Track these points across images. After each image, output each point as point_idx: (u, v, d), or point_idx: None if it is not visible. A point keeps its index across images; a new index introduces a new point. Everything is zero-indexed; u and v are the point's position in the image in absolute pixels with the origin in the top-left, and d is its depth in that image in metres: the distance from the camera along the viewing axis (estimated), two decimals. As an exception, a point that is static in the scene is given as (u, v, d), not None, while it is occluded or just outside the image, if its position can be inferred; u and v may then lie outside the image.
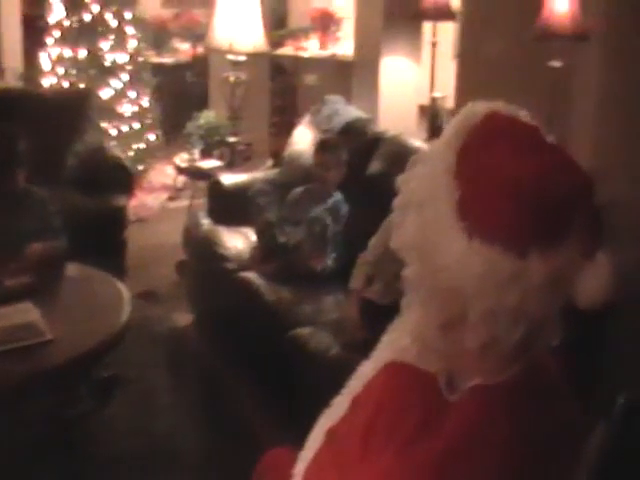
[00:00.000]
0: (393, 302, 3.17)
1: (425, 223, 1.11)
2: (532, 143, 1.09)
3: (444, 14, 4.50)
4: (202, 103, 7.24)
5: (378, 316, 3.13)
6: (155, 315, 4.45)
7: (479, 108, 1.15)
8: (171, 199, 6.36)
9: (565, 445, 1.16)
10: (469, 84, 4.87)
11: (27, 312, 2.87)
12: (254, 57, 4.91)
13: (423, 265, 1.12)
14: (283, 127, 7.47)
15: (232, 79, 4.86)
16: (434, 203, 1.10)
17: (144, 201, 6.22)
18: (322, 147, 4.02)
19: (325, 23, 7.19)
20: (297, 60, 7.25)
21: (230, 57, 4.82)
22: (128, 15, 5.75)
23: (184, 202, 6.06)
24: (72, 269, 3.51)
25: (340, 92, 4.82)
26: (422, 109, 5.21)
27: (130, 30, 5.77)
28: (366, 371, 1.33)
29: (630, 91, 4.32)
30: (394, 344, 1.29)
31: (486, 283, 1.04)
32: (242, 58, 4.79)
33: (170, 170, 6.38)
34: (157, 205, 6.26)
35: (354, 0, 5.31)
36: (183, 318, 4.43)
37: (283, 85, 7.37)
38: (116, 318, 3.07)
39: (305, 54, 7.39)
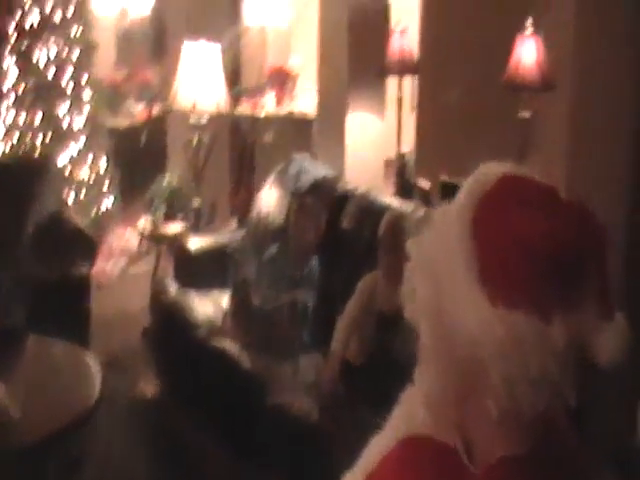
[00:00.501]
0: (368, 363, 3.19)
1: (441, 290, 1.08)
2: (548, 205, 1.07)
3: (409, 68, 4.49)
4: (160, 165, 7.14)
5: (353, 377, 3.19)
6: (122, 386, 4.31)
7: (491, 171, 1.12)
8: (131, 264, 6.22)
9: None
10: (429, 137, 4.87)
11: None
12: (215, 117, 4.82)
13: (440, 334, 1.09)
14: (243, 187, 7.42)
15: (195, 141, 4.78)
16: (451, 270, 1.08)
17: (103, 267, 6.10)
18: (301, 209, 4.00)
19: (281, 80, 7.20)
20: (254, 118, 7.22)
21: (192, 120, 4.73)
22: (84, 78, 5.65)
23: (144, 267, 5.93)
24: (36, 342, 3.35)
25: (299, 149, 4.79)
26: (388, 163, 5.20)
27: (86, 93, 5.68)
28: (379, 447, 1.25)
29: (598, 136, 4.37)
30: (408, 417, 1.23)
31: (509, 350, 1.02)
32: (204, 120, 4.71)
33: (129, 234, 6.24)
34: (117, 270, 6.13)
35: (317, 57, 5.29)
36: (151, 388, 4.32)
37: (240, 144, 7.33)
38: (86, 395, 2.92)
39: (262, 112, 7.38)
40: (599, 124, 4.13)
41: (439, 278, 1.09)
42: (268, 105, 7.56)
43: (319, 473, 3.07)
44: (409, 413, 1.22)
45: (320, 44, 5.24)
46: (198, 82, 4.71)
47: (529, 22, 3.81)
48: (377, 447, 1.26)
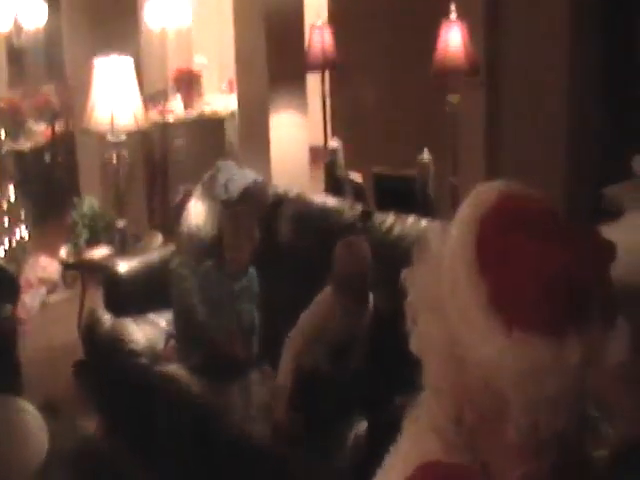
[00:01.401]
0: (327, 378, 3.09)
1: (449, 322, 1.07)
2: (550, 226, 1.07)
3: (330, 62, 4.39)
4: (70, 187, 6.87)
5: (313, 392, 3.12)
6: (59, 428, 4.08)
7: (488, 192, 1.10)
8: (51, 293, 6.00)
9: None
10: (356, 129, 4.81)
11: None
12: (133, 132, 4.62)
13: (451, 365, 1.08)
14: (159, 198, 7.22)
15: (115, 160, 4.55)
16: (459, 302, 1.06)
17: (22, 300, 5.83)
18: (234, 218, 3.87)
19: (188, 82, 7.03)
20: (164, 125, 7.04)
21: (111, 138, 4.50)
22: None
23: (64, 294, 5.78)
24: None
25: (213, 150, 4.65)
26: (313, 151, 5.10)
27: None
28: (390, 478, 1.21)
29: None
30: (418, 444, 1.19)
31: (526, 375, 1.02)
32: (123, 137, 4.49)
33: (46, 263, 6.01)
34: (37, 303, 5.89)
35: (235, 59, 5.13)
36: (90, 425, 4.14)
37: (152, 154, 7.12)
38: (35, 450, 2.71)
39: (171, 117, 7.21)
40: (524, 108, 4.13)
41: (445, 309, 1.07)
42: (177, 109, 7.40)
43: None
44: (419, 439, 1.19)
45: (236, 41, 5.08)
46: (114, 98, 4.49)
47: (453, 7, 3.76)
48: (389, 477, 1.22)
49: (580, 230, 1.08)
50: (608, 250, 1.07)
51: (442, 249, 1.11)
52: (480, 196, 1.10)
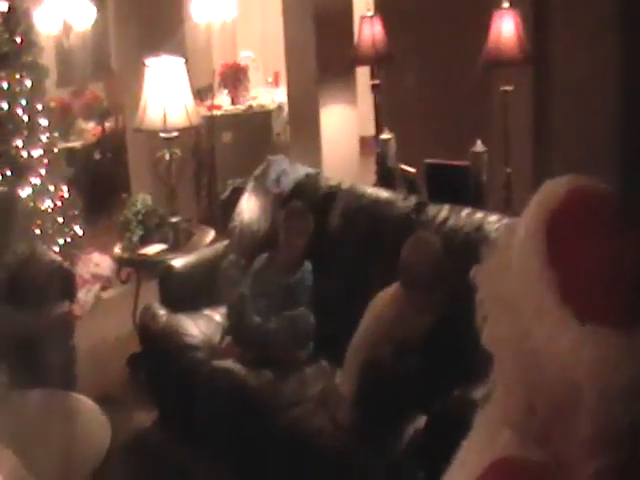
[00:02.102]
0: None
1: (523, 318, 1.08)
2: (620, 216, 1.08)
3: (383, 57, 4.36)
4: (120, 184, 6.94)
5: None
6: (115, 420, 4.13)
7: (558, 186, 1.12)
8: (104, 289, 6.07)
9: None
10: (407, 121, 4.78)
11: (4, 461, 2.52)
12: (184, 129, 4.65)
13: (524, 360, 1.09)
14: (207, 192, 7.26)
15: (167, 156, 4.59)
16: (531, 295, 1.07)
17: (76, 297, 5.92)
18: (290, 213, 3.86)
19: (235, 76, 7.04)
20: (211, 120, 7.07)
21: (163, 134, 4.54)
22: (39, 106, 5.45)
23: (118, 290, 5.81)
24: (36, 397, 3.17)
25: (260, 144, 4.66)
26: (364, 141, 5.08)
27: (43, 122, 5.47)
28: (464, 475, 1.21)
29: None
30: (490, 440, 1.19)
31: (600, 366, 1.02)
32: (175, 134, 4.53)
33: (100, 259, 6.10)
34: (91, 299, 5.97)
35: (285, 51, 5.14)
36: (146, 418, 4.17)
37: (198, 149, 7.16)
38: (98, 444, 2.75)
39: (219, 112, 7.24)
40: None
41: (517, 304, 1.08)
42: (225, 104, 7.43)
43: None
44: (491, 436, 1.19)
45: (285, 34, 5.09)
46: (166, 98, 4.53)
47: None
48: (462, 474, 1.22)
49: None
50: None
51: (511, 245, 1.12)
52: (549, 191, 1.12)
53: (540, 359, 1.07)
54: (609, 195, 1.11)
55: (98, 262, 6.19)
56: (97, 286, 6.09)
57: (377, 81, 4.61)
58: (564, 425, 1.10)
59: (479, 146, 3.92)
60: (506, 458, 1.15)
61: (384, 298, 3.24)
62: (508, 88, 3.94)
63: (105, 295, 6.01)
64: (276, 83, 8.11)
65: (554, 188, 1.12)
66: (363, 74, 5.54)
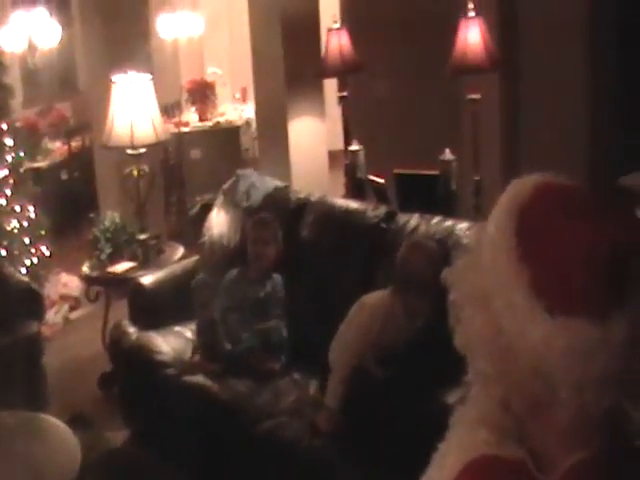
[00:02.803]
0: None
1: (495, 314, 1.08)
2: (587, 210, 1.08)
3: (350, 68, 4.35)
4: (87, 203, 6.88)
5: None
6: (88, 440, 4.08)
7: (525, 183, 1.13)
8: (73, 309, 6.01)
9: None
10: (376, 132, 4.78)
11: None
12: (152, 145, 4.62)
13: (498, 357, 1.10)
14: (176, 209, 7.23)
15: (135, 173, 4.55)
16: (502, 291, 1.08)
17: (45, 318, 5.86)
18: (258, 224, 3.85)
19: (202, 93, 7.04)
20: (179, 136, 7.04)
21: (130, 151, 4.51)
22: (4, 126, 5.39)
23: (87, 310, 5.77)
24: (4, 418, 3.11)
25: (228, 159, 4.64)
26: (332, 155, 5.07)
27: (9, 142, 5.41)
28: (442, 476, 1.21)
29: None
30: (468, 440, 1.20)
31: (573, 357, 1.03)
32: (142, 150, 4.50)
33: (66, 278, 6.07)
34: (60, 319, 5.90)
35: (252, 66, 5.12)
36: (118, 436, 4.12)
37: (167, 165, 7.13)
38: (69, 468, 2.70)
39: (187, 129, 7.22)
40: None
41: (489, 302, 1.08)
42: (192, 120, 7.42)
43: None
44: (467, 436, 1.20)
45: (252, 47, 5.08)
46: (133, 114, 4.49)
47: (470, 5, 3.73)
48: (441, 475, 1.21)
49: (619, 212, 1.09)
50: None
51: (481, 244, 1.12)
52: (517, 188, 1.12)
53: (514, 355, 1.07)
54: (576, 190, 1.11)
55: (66, 282, 6.14)
56: (66, 306, 6.03)
57: (345, 93, 4.60)
58: (540, 420, 1.11)
59: (448, 155, 3.92)
60: (483, 456, 1.16)
61: (371, 304, 3.20)
62: (476, 96, 3.96)
63: (74, 315, 5.95)
64: (244, 99, 8.11)
65: (522, 185, 1.12)
66: (331, 88, 5.54)
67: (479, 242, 1.14)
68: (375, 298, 3.21)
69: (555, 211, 1.08)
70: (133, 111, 4.48)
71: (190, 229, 6.12)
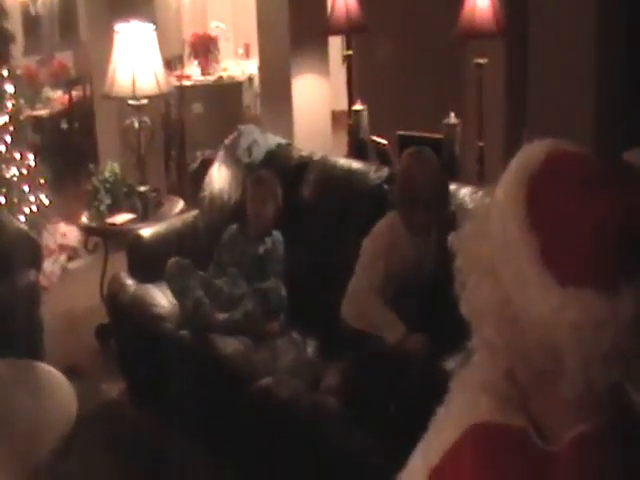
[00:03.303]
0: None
1: (503, 283, 1.07)
2: (600, 179, 1.06)
3: (356, 28, 4.32)
4: (87, 154, 6.85)
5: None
6: (83, 391, 4.09)
7: (537, 150, 1.10)
8: (71, 260, 5.99)
9: None
10: (379, 93, 4.75)
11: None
12: (153, 97, 4.58)
13: (505, 325, 1.08)
14: (177, 164, 7.20)
15: (136, 124, 4.51)
16: (511, 260, 1.06)
17: (43, 267, 5.84)
18: (257, 181, 3.83)
19: (205, 47, 6.97)
20: (181, 90, 6.98)
21: (132, 102, 4.47)
22: (4, 72, 5.33)
23: (85, 261, 5.76)
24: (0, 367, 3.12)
25: (230, 115, 4.60)
26: (336, 115, 5.04)
27: (9, 88, 5.35)
28: (442, 439, 1.21)
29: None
30: (470, 405, 1.19)
31: (582, 329, 1.01)
32: (144, 101, 4.46)
33: (67, 229, 6.02)
34: (57, 269, 5.88)
35: (256, 22, 5.07)
36: (114, 388, 4.15)
37: (168, 119, 7.08)
38: (64, 416, 2.71)
39: (189, 82, 7.17)
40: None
41: (497, 270, 1.07)
42: (194, 74, 7.36)
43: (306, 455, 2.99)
44: (470, 401, 1.19)
45: (257, 3, 5.02)
46: (136, 64, 4.43)
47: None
48: (439, 439, 1.21)
49: (631, 183, 1.07)
50: None
51: (489, 211, 1.10)
52: (528, 155, 1.10)
53: (521, 325, 1.06)
54: (589, 159, 1.09)
55: (65, 232, 6.10)
56: (64, 256, 6.01)
57: (350, 52, 4.57)
58: (545, 391, 1.11)
59: (452, 118, 3.90)
60: (484, 423, 1.15)
61: (374, 233, 3.09)
62: (482, 61, 3.93)
63: (72, 266, 5.93)
64: (247, 55, 8.03)
65: (533, 152, 1.10)
66: (336, 47, 5.49)
67: (487, 209, 1.12)
68: (377, 226, 3.11)
69: (567, 180, 1.06)
70: (135, 61, 4.43)
71: (190, 184, 6.12)
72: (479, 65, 3.98)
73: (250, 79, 7.25)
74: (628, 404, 1.15)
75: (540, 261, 1.04)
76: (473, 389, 1.20)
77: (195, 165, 6.31)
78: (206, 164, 4.57)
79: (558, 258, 1.03)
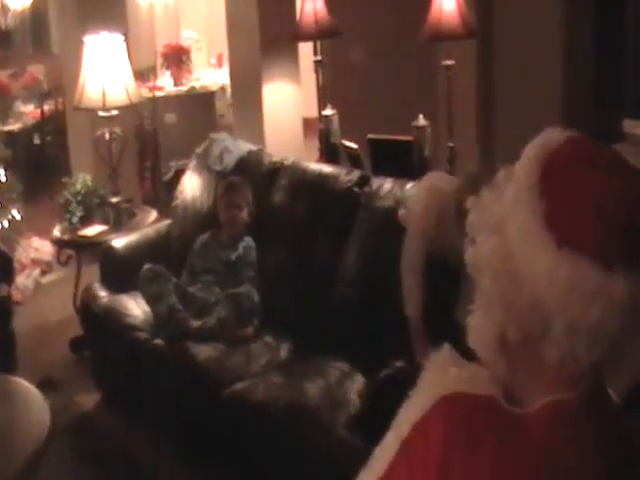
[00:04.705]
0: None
1: (508, 241, 1.14)
2: (615, 164, 1.13)
3: (326, 33, 4.32)
4: (60, 167, 6.82)
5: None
6: (58, 404, 4.06)
7: (557, 133, 1.17)
8: (44, 274, 5.96)
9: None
10: (349, 97, 4.75)
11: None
12: (124, 108, 4.56)
13: (503, 281, 1.15)
14: (151, 174, 7.18)
15: (107, 135, 4.50)
16: (518, 220, 1.13)
17: (16, 282, 5.80)
18: (229, 188, 3.84)
19: (178, 57, 6.97)
20: (154, 101, 6.98)
21: (102, 113, 4.45)
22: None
23: (59, 274, 5.74)
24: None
25: (203, 124, 4.60)
26: (307, 122, 5.04)
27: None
28: (412, 412, 1.26)
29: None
30: (439, 378, 1.26)
31: (572, 294, 1.07)
32: (115, 112, 4.45)
33: (37, 243, 6.03)
34: (30, 284, 5.84)
35: (226, 28, 5.06)
36: (89, 400, 4.11)
37: (141, 130, 7.07)
38: (37, 430, 2.68)
39: (162, 93, 7.16)
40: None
41: (504, 228, 1.14)
42: (167, 85, 7.36)
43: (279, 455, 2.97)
44: (439, 375, 1.25)
45: (227, 10, 5.02)
46: (105, 74, 4.43)
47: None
48: (410, 413, 1.26)
49: None
50: None
51: (505, 181, 1.18)
52: (549, 135, 1.17)
53: (518, 281, 1.12)
54: (605, 148, 1.15)
55: (38, 246, 6.09)
56: (37, 271, 5.98)
57: (319, 57, 4.57)
58: (530, 355, 1.15)
59: (421, 120, 3.91)
60: (452, 394, 1.21)
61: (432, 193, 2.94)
62: (450, 63, 3.94)
63: (45, 280, 5.90)
64: (219, 64, 8.04)
65: (553, 134, 1.17)
66: (309, 55, 5.48)
67: (504, 179, 1.19)
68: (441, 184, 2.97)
69: (581, 160, 1.13)
70: (105, 72, 4.42)
71: (164, 194, 6.10)
72: (448, 67, 4.00)
73: (223, 88, 7.25)
74: (602, 385, 1.21)
75: (544, 222, 1.10)
76: (443, 363, 1.26)
77: (169, 175, 6.30)
78: (180, 174, 4.56)
79: (561, 224, 1.09)
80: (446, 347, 1.28)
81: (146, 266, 3.78)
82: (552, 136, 1.17)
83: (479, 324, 1.21)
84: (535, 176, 1.13)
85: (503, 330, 1.17)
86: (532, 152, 1.17)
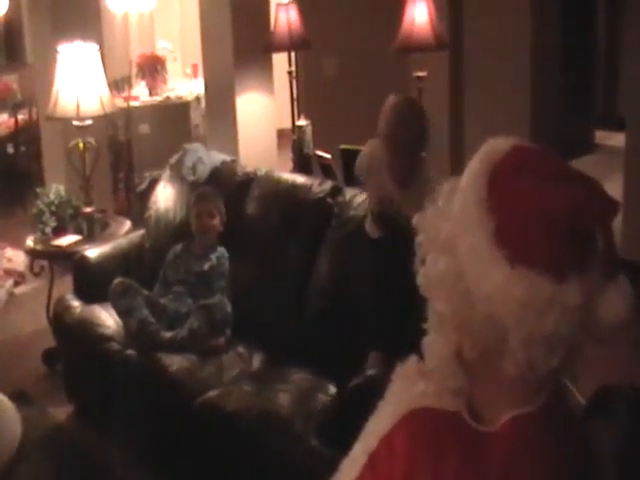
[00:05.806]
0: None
1: (459, 258, 1.13)
2: (560, 173, 1.12)
3: (299, 44, 4.35)
4: (34, 177, 6.78)
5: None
6: (30, 415, 4.03)
7: (501, 143, 1.17)
8: (17, 285, 5.89)
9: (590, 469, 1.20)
10: (322, 108, 4.78)
11: None
12: (98, 118, 4.55)
13: (457, 300, 1.14)
14: (125, 185, 7.16)
15: (81, 145, 4.48)
16: (468, 237, 1.12)
17: (-11, 293, 5.78)
18: (201, 197, 3.84)
19: (153, 68, 6.96)
20: (129, 111, 6.96)
21: (76, 123, 4.44)
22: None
23: (32, 285, 5.68)
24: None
25: (178, 135, 4.60)
26: (281, 134, 5.06)
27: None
28: (380, 426, 1.27)
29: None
30: (406, 392, 1.27)
31: (527, 308, 1.07)
32: (88, 122, 4.43)
33: (10, 253, 6.01)
34: (4, 294, 5.78)
35: (201, 39, 5.07)
36: (61, 412, 4.10)
37: (115, 140, 7.05)
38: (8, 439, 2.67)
39: (136, 103, 7.15)
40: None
41: (454, 247, 1.12)
42: (142, 95, 7.34)
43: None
44: (407, 388, 1.26)
45: (201, 21, 5.04)
46: (79, 83, 4.40)
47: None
48: (378, 426, 1.27)
49: (589, 181, 1.12)
50: (613, 204, 1.11)
51: (453, 196, 1.16)
52: (493, 146, 1.16)
53: (471, 300, 1.12)
54: (550, 155, 1.15)
55: (11, 257, 6.06)
56: (10, 281, 5.92)
57: (293, 68, 4.60)
58: (489, 370, 1.15)
59: (393, 131, 3.91)
60: (420, 408, 1.22)
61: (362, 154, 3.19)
62: (422, 74, 3.98)
63: (18, 291, 5.83)
64: (194, 75, 8.05)
65: (498, 144, 1.16)
66: (281, 66, 5.50)
67: (450, 193, 1.17)
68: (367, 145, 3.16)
69: (527, 171, 1.11)
70: (79, 81, 4.40)
71: (138, 205, 6.08)
72: (419, 77, 4.03)
73: (198, 98, 7.26)
74: (564, 391, 1.22)
75: (494, 239, 1.09)
76: (410, 377, 1.26)
77: (143, 186, 6.28)
78: (154, 184, 4.55)
79: (511, 239, 1.09)
80: (413, 358, 1.28)
81: (116, 280, 3.76)
82: (496, 146, 1.16)
83: (434, 343, 1.20)
84: (482, 191, 1.12)
85: (459, 348, 1.16)
86: (477, 164, 1.15)
